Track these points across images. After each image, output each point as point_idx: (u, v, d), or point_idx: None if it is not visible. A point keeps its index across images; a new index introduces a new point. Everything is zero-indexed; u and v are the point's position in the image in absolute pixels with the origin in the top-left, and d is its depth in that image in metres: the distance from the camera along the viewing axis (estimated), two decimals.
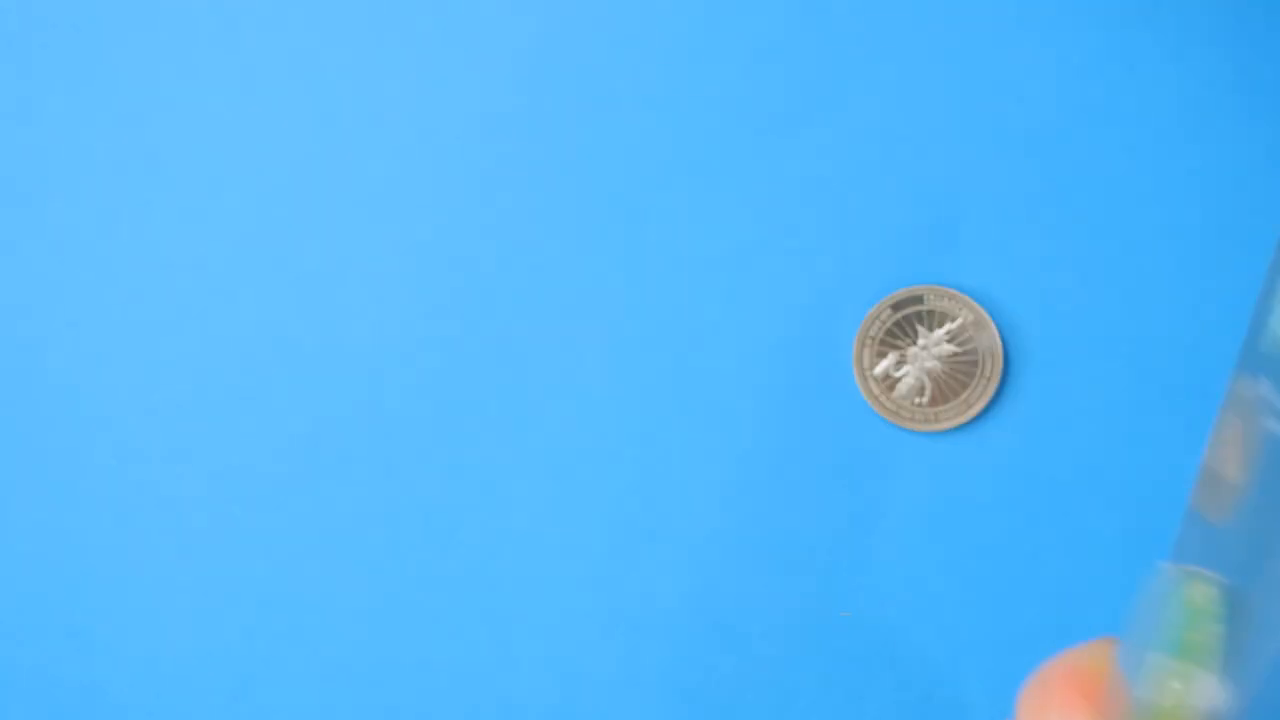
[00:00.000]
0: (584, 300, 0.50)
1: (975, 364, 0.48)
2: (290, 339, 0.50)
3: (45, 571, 0.50)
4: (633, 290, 0.50)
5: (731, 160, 0.49)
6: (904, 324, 0.48)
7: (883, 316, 0.48)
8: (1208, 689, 0.28)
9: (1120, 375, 0.49)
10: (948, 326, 0.48)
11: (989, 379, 0.48)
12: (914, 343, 0.48)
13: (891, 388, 0.48)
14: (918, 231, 0.49)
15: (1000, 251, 0.49)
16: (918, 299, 0.48)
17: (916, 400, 0.48)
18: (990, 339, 0.48)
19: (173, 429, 0.50)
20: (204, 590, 0.50)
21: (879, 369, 0.48)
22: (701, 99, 0.50)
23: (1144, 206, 0.49)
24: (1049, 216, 0.49)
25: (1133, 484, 0.49)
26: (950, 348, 0.48)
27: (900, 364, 0.48)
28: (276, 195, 0.50)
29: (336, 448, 0.50)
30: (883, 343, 0.48)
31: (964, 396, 0.48)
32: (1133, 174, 0.49)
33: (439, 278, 0.50)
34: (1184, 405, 0.49)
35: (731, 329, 0.49)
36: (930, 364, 0.48)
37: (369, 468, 0.50)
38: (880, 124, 0.49)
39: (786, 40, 0.49)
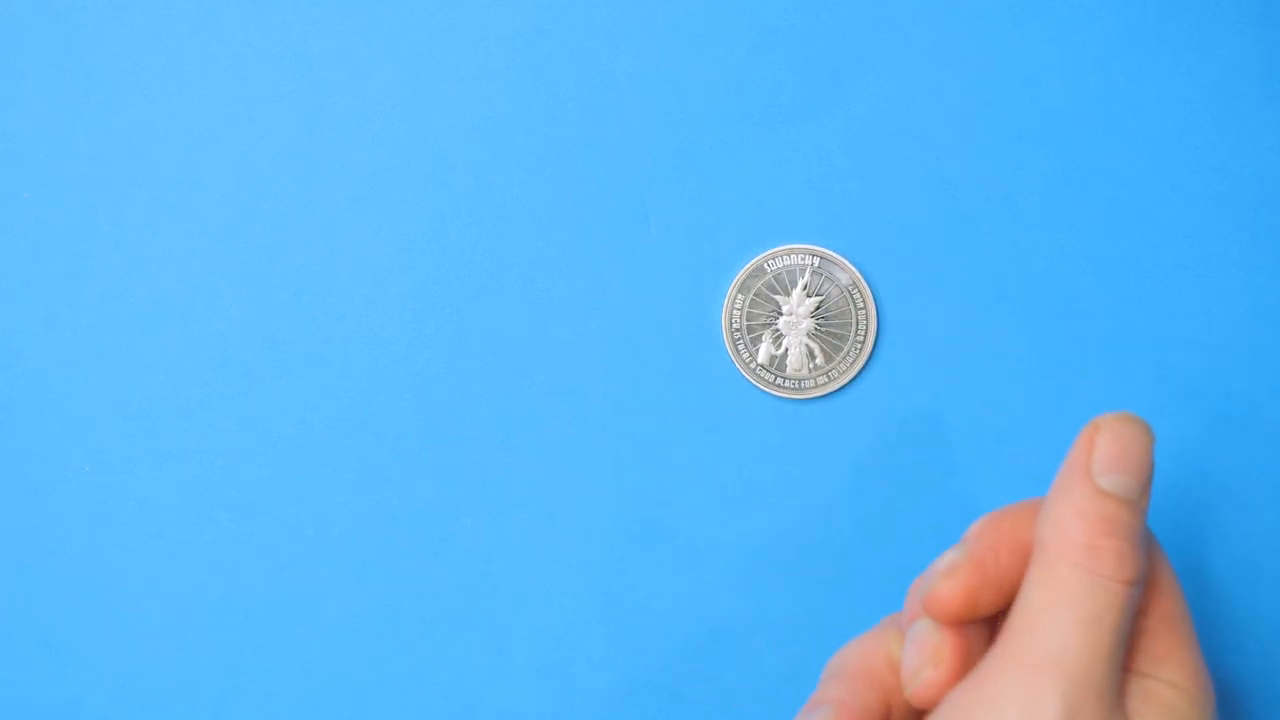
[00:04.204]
0: (577, 302, 0.49)
1: (846, 303, 0.47)
2: (276, 340, 0.49)
3: (17, 581, 0.49)
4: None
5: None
6: (759, 301, 0.48)
7: (737, 302, 0.48)
8: None
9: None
10: (801, 283, 0.47)
11: (865, 311, 0.47)
12: (779, 315, 0.48)
13: (783, 367, 0.48)
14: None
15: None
16: (759, 270, 0.48)
17: (811, 366, 0.47)
18: (847, 274, 0.47)
19: (153, 433, 0.49)
20: (185, 599, 0.49)
21: (762, 356, 0.48)
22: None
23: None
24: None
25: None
26: (812, 302, 0.48)
27: (779, 340, 0.48)
28: (264, 191, 0.49)
29: (324, 453, 0.49)
30: (750, 329, 0.48)
31: (849, 342, 0.47)
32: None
33: (429, 277, 0.49)
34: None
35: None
36: (805, 324, 0.48)
37: (358, 473, 0.49)
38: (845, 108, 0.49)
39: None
